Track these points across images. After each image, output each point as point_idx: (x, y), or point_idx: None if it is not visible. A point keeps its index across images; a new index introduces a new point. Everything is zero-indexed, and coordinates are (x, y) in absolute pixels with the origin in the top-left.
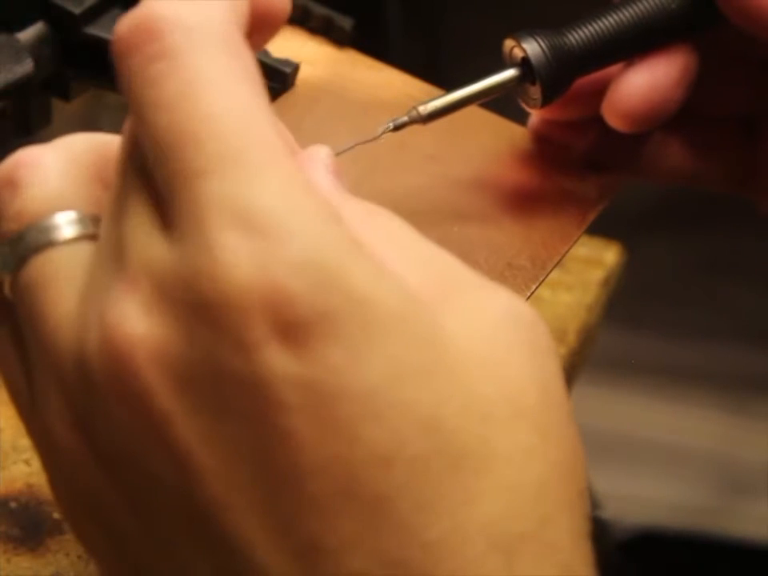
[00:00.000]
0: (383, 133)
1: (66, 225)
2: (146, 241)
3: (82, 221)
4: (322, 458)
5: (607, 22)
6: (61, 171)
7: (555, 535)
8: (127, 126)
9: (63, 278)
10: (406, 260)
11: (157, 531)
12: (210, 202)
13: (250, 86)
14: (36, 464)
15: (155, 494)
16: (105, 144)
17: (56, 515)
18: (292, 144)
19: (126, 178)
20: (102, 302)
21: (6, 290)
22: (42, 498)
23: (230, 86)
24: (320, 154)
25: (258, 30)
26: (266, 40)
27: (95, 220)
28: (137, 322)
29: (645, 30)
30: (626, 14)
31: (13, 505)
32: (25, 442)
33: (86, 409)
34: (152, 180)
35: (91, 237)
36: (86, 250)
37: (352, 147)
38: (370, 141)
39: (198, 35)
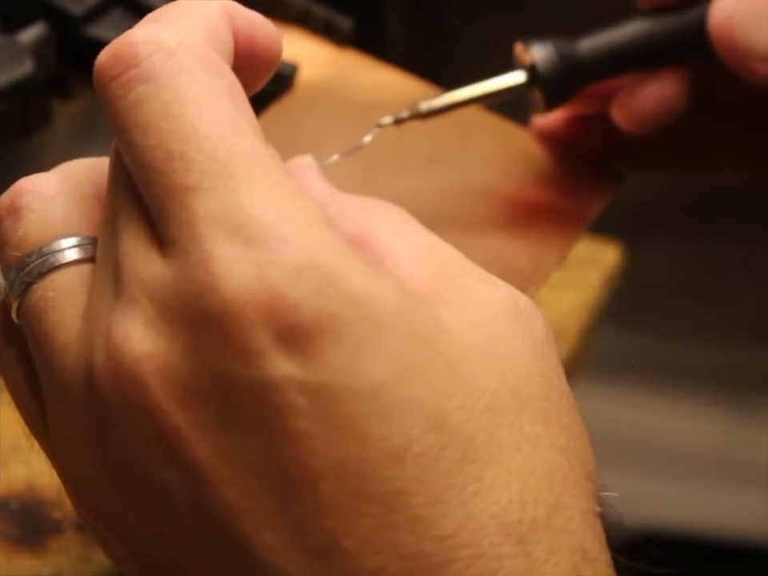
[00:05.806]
0: (370, 139)
1: (68, 249)
2: (142, 259)
3: (83, 244)
4: (333, 458)
5: (620, 36)
6: (62, 196)
7: (567, 519)
8: (113, 146)
9: (67, 300)
10: (407, 252)
11: (174, 543)
12: (202, 216)
13: (231, 101)
14: (36, 464)
15: (169, 507)
16: (105, 167)
17: (56, 515)
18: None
19: (116, 198)
20: (105, 322)
21: (13, 314)
22: (42, 497)
23: (212, 102)
24: (305, 160)
25: (247, 66)
26: (259, 79)
27: (97, 243)
28: (140, 340)
29: (657, 47)
30: (640, 29)
31: (13, 505)
32: (25, 442)
33: (96, 427)
34: (142, 199)
35: (93, 259)
36: (88, 272)
37: (341, 156)
38: (357, 149)
39: (177, 56)
